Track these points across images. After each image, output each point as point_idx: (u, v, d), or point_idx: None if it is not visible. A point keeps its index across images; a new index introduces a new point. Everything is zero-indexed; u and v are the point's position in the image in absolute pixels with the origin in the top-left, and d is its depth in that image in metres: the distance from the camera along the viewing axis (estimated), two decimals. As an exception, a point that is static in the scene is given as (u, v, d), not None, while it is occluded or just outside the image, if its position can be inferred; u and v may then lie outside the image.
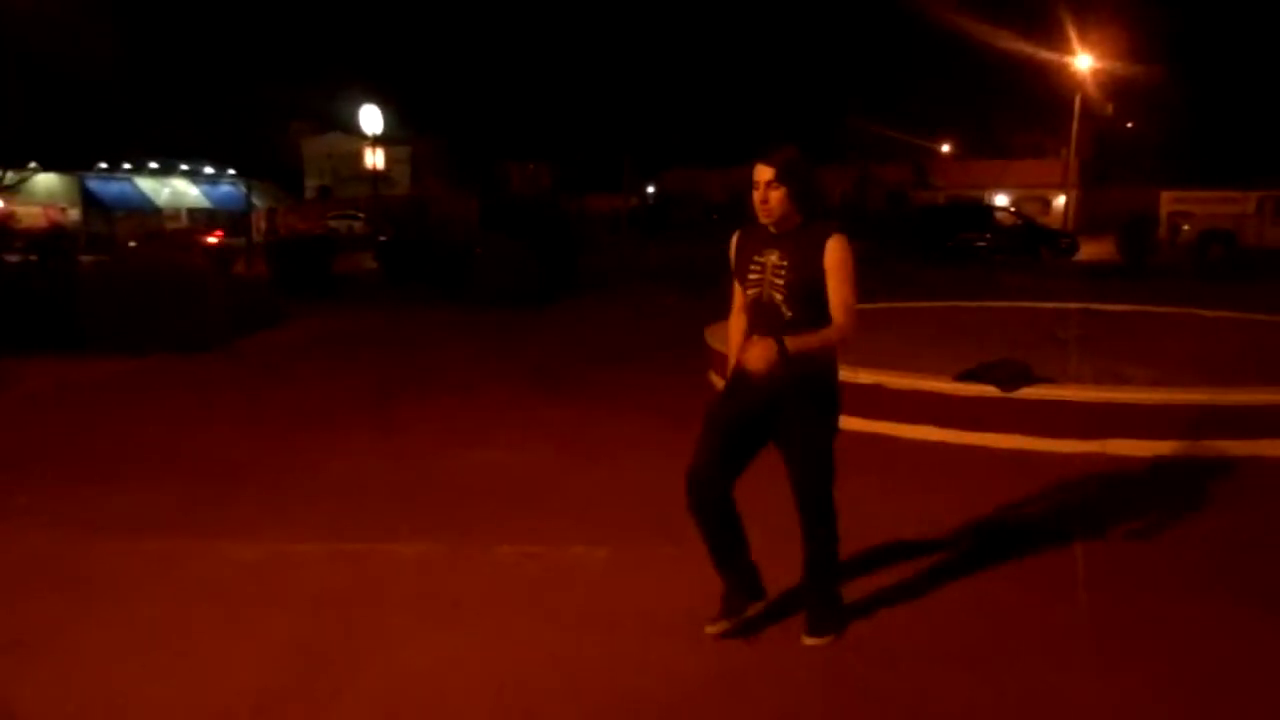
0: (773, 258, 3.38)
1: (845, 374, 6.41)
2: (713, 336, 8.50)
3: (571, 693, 3.27)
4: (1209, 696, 3.23)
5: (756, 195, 3.36)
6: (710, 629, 3.57)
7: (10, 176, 31.11)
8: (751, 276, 3.44)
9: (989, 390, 6.20)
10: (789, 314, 3.33)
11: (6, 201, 35.28)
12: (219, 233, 35.65)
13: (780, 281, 3.35)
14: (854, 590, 4.02)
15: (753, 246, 3.47)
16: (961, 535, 4.65)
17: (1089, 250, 27.29)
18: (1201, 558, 4.41)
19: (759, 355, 3.13)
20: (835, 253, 3.29)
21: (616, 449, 6.50)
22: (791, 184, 3.33)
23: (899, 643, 3.58)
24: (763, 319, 3.39)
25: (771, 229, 3.41)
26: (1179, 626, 3.72)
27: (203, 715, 3.16)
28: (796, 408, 3.36)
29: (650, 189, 61.75)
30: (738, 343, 3.58)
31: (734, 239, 3.59)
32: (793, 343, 3.17)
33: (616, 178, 51.50)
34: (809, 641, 3.53)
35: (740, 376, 3.36)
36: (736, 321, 3.69)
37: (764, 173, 3.33)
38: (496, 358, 10.41)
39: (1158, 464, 5.79)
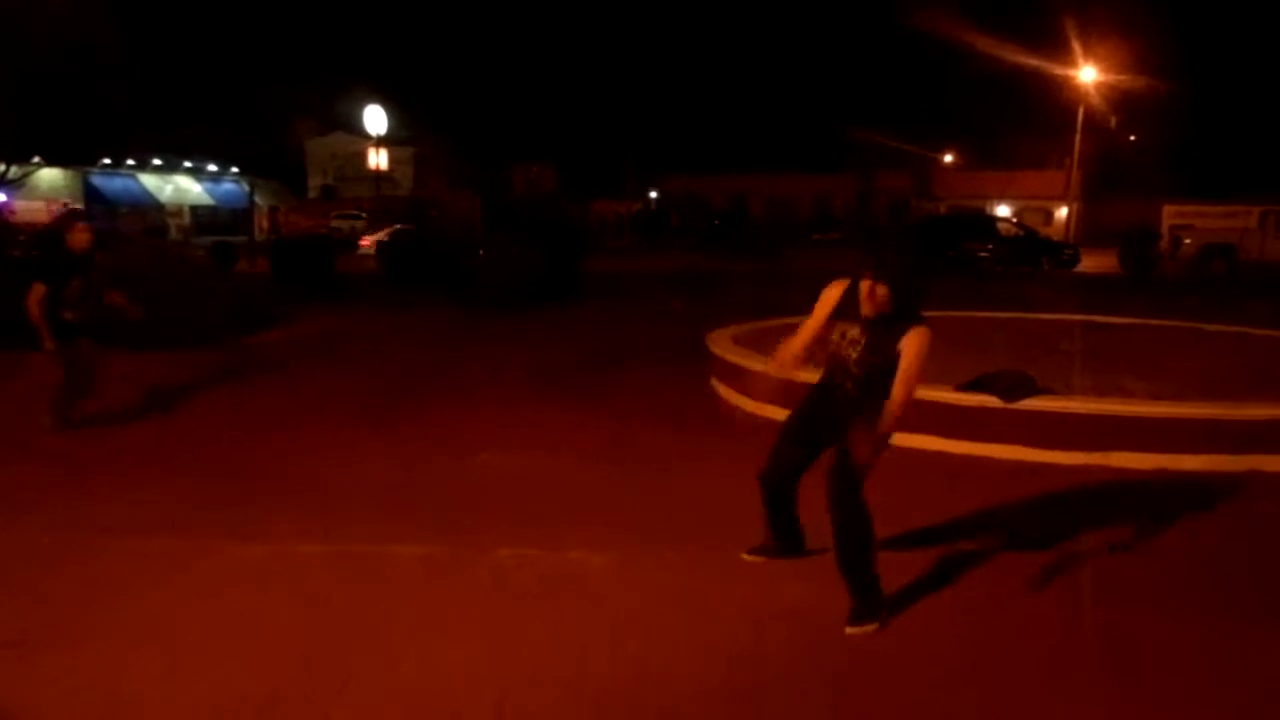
0: (854, 333, 3.82)
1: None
2: (714, 342, 8.51)
3: (570, 697, 3.27)
4: (1207, 715, 3.23)
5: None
6: (746, 556, 4.40)
7: (14, 171, 31.14)
8: (839, 341, 3.89)
9: (990, 401, 6.20)
10: (856, 372, 3.83)
11: (9, 196, 35.30)
12: None
13: (855, 355, 3.82)
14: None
15: (846, 320, 3.88)
16: (961, 546, 4.64)
17: (1090, 262, 27.31)
18: (1200, 572, 4.42)
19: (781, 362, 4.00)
20: (913, 344, 3.71)
21: (617, 454, 6.50)
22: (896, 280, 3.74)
23: (898, 655, 3.59)
24: (832, 362, 3.97)
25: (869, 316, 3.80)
26: (1178, 642, 3.72)
27: (204, 715, 3.16)
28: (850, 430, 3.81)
29: (653, 194, 61.84)
30: (804, 341, 4.04)
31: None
32: (886, 425, 3.68)
33: (619, 182, 51.59)
34: (849, 630, 3.75)
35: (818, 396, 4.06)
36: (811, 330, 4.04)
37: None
38: (498, 360, 10.41)
39: (1158, 477, 5.79)
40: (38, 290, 6.53)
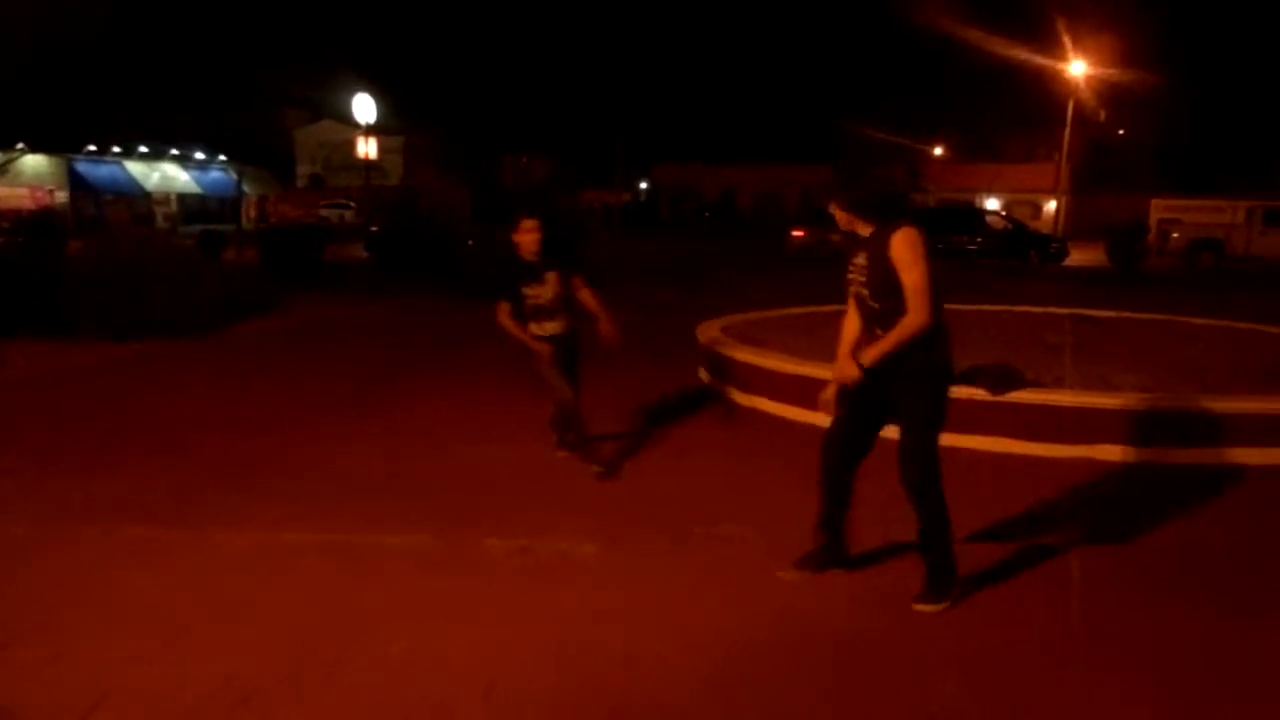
0: (860, 259, 3.87)
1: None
2: (703, 333, 8.51)
3: (557, 687, 3.27)
4: (1192, 707, 3.26)
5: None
6: (782, 575, 4.13)
7: (-2, 157, 30.90)
8: (850, 275, 3.94)
9: (978, 393, 6.22)
10: (876, 305, 3.79)
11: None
12: None
13: (863, 279, 3.84)
14: (841, 595, 4.05)
15: (853, 251, 3.95)
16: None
17: (1078, 256, 27.40)
18: (1185, 565, 4.45)
19: (839, 370, 3.88)
20: (897, 248, 3.67)
21: (606, 444, 6.50)
22: (843, 198, 3.85)
23: (888, 646, 3.60)
24: (862, 310, 3.94)
25: (861, 234, 3.88)
26: (1164, 635, 3.75)
27: (189, 704, 3.15)
28: (898, 396, 3.81)
29: (643, 184, 61.75)
30: (848, 335, 4.07)
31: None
32: (866, 357, 3.75)
33: (610, 173, 51.48)
34: (918, 607, 3.85)
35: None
36: (849, 316, 4.09)
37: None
38: (487, 350, 10.38)
39: (1144, 470, 5.82)
40: (503, 309, 5.79)
